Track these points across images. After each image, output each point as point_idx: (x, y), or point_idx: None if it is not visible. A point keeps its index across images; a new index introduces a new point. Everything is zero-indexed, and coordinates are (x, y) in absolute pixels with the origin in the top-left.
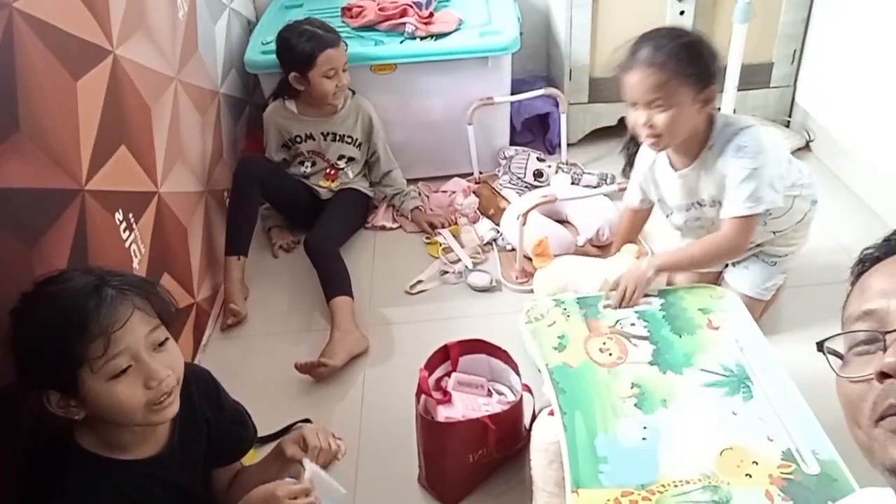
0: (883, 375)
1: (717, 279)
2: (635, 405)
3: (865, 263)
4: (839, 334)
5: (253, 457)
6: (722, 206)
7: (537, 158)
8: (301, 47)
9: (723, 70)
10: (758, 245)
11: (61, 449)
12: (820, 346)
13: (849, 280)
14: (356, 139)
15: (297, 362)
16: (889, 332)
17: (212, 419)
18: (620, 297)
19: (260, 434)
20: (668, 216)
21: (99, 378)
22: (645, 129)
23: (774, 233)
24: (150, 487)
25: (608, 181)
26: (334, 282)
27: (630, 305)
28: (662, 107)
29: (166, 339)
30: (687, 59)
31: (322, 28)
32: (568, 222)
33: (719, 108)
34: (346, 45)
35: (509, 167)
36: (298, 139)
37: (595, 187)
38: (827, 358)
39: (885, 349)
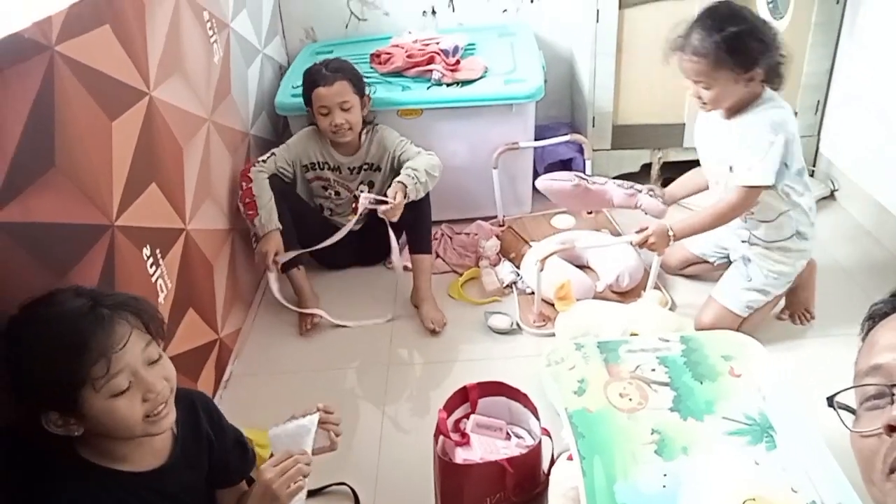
0: (892, 429)
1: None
2: (655, 452)
3: (875, 319)
4: (847, 388)
5: None
6: (737, 170)
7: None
8: (304, 85)
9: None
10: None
11: (62, 460)
12: (830, 401)
13: (860, 335)
14: (374, 164)
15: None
16: None
17: (214, 440)
18: (642, 240)
19: None
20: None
21: (101, 397)
22: (696, 100)
23: (752, 235)
24: (150, 499)
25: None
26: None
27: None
28: (706, 86)
29: (160, 354)
30: (727, 51)
31: (329, 67)
32: (588, 267)
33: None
34: (361, 85)
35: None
36: (326, 165)
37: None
38: (838, 413)
39: (893, 402)
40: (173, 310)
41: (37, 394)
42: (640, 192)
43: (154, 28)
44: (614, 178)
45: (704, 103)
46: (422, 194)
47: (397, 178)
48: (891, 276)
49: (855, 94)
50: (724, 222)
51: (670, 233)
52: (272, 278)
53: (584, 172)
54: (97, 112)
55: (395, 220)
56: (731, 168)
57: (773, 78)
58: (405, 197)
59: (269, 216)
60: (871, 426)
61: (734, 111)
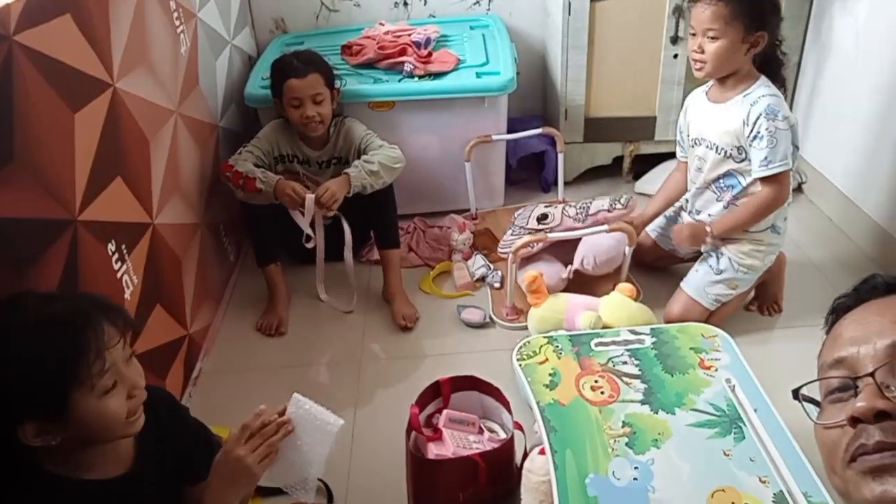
0: (855, 420)
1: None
2: (626, 444)
3: (838, 312)
4: (811, 381)
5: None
6: (753, 166)
7: (544, 206)
8: (274, 75)
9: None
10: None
11: (26, 475)
12: (795, 393)
13: (823, 329)
14: (342, 157)
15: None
16: (860, 377)
17: (178, 437)
18: (679, 235)
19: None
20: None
21: (94, 396)
22: (696, 55)
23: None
24: None
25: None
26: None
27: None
28: (714, 37)
29: (132, 352)
30: (746, 1)
31: (300, 58)
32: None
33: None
34: (332, 78)
35: (514, 223)
36: (295, 158)
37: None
38: (803, 405)
39: (856, 395)
40: (140, 306)
41: (21, 404)
42: (606, 210)
43: (118, 18)
44: (587, 169)
45: (703, 63)
46: (376, 186)
47: (345, 170)
48: (857, 269)
49: (822, 87)
50: (763, 217)
51: (708, 228)
52: (309, 203)
53: (554, 174)
54: (59, 104)
55: (331, 207)
56: (725, 153)
57: (770, 63)
58: (348, 188)
59: (265, 174)
60: (834, 418)
61: (726, 90)
